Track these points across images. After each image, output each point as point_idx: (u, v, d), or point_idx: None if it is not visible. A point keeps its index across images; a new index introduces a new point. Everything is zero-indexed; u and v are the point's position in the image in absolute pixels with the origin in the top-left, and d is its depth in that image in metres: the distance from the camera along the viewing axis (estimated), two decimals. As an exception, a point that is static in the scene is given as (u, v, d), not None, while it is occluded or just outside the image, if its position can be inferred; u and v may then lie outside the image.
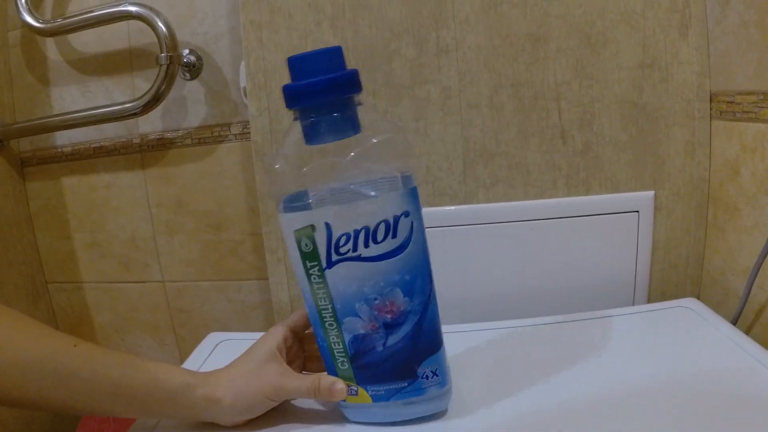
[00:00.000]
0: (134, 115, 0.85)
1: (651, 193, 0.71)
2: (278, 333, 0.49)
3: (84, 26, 0.87)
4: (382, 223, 0.41)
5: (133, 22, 0.87)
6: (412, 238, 0.42)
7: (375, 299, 0.43)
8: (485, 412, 0.49)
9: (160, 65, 0.82)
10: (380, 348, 0.45)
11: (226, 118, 0.88)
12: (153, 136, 0.91)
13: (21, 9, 0.88)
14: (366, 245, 0.42)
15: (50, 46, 0.94)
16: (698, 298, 0.67)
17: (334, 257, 0.42)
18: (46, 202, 0.99)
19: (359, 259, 0.42)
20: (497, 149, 0.71)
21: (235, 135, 0.88)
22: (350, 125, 0.41)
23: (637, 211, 0.71)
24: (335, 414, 0.50)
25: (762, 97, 0.60)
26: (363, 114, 0.42)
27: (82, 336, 0.98)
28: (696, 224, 0.72)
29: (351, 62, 0.70)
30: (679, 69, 0.68)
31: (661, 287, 0.74)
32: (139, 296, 0.99)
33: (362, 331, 0.44)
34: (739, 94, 0.64)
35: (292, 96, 0.41)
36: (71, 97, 0.94)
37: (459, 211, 0.73)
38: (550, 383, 0.52)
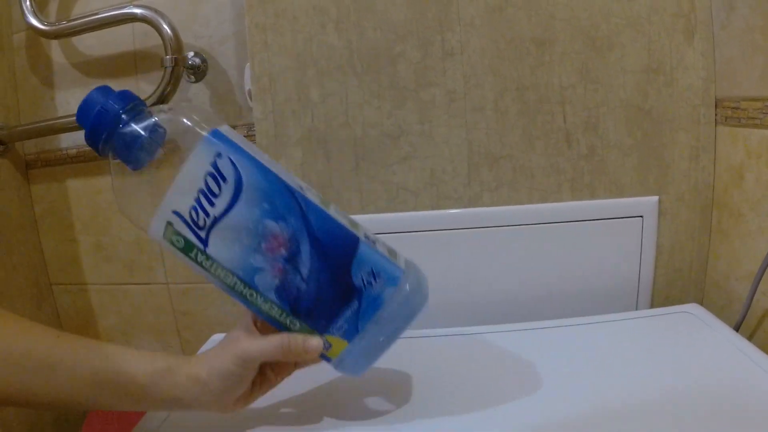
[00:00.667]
0: (139, 117, 0.86)
1: (655, 198, 0.71)
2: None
3: (89, 29, 0.87)
4: (208, 176, 0.41)
5: (138, 25, 0.88)
6: (240, 170, 0.41)
7: (259, 243, 0.42)
8: (487, 415, 0.49)
9: (165, 68, 0.83)
10: (303, 285, 0.43)
11: (231, 120, 0.88)
12: (157, 139, 0.91)
13: (26, 12, 0.88)
14: (212, 204, 0.42)
15: (55, 48, 0.94)
16: (702, 303, 0.68)
17: (202, 234, 0.42)
18: (51, 204, 0.99)
19: (217, 220, 0.42)
20: (502, 152, 0.71)
21: (240, 138, 0.88)
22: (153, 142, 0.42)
23: (641, 216, 0.71)
24: (337, 409, 0.50)
25: (767, 103, 0.60)
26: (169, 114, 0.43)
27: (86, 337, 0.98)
28: (700, 229, 0.72)
29: (356, 65, 0.70)
30: (684, 74, 0.68)
31: (665, 292, 0.74)
32: (143, 298, 0.99)
33: (276, 281, 0.43)
34: (744, 100, 0.64)
35: (92, 144, 0.43)
36: (75, 99, 0.94)
37: (463, 214, 0.73)
38: (553, 387, 0.52)
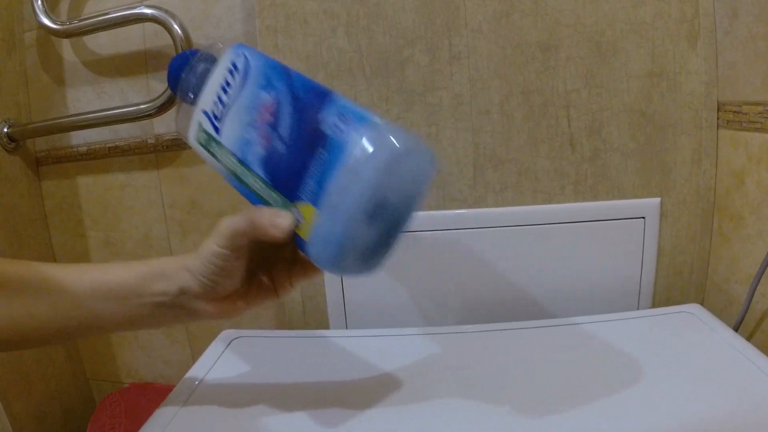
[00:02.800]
0: (149, 116, 0.87)
1: (657, 200, 0.72)
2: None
3: (100, 28, 0.88)
4: (227, 72, 0.46)
5: (148, 24, 0.89)
6: (251, 61, 0.46)
7: (253, 117, 0.44)
8: (488, 413, 0.49)
9: (176, 68, 0.84)
10: (282, 146, 0.42)
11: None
12: (168, 137, 0.92)
13: (38, 11, 0.89)
14: (226, 92, 0.46)
15: (66, 47, 0.95)
16: (702, 305, 0.69)
17: (217, 123, 0.46)
18: (61, 200, 1.01)
19: (229, 107, 0.46)
20: (507, 155, 0.73)
21: (248, 137, 0.90)
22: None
23: (643, 218, 0.72)
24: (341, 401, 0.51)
25: (768, 108, 0.61)
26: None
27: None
28: (701, 232, 0.73)
29: (365, 68, 0.72)
30: (687, 79, 0.69)
31: (666, 293, 0.75)
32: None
33: (262, 150, 0.43)
34: (745, 104, 0.65)
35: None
36: (86, 97, 0.95)
37: (468, 214, 0.74)
38: (554, 385, 0.53)
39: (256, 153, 0.43)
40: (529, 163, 0.73)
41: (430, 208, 0.74)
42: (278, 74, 0.45)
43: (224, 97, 0.46)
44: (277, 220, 0.40)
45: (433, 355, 0.62)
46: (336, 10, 0.71)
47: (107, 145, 0.95)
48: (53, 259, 1.04)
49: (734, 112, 0.67)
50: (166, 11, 0.84)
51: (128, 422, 0.94)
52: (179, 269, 0.45)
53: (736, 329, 0.63)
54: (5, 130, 0.94)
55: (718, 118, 0.70)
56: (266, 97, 0.44)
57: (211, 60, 0.48)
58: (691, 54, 0.69)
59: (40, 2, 0.89)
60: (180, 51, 0.83)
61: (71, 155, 0.98)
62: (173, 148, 0.92)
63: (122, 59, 0.93)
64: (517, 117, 0.71)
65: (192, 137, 0.49)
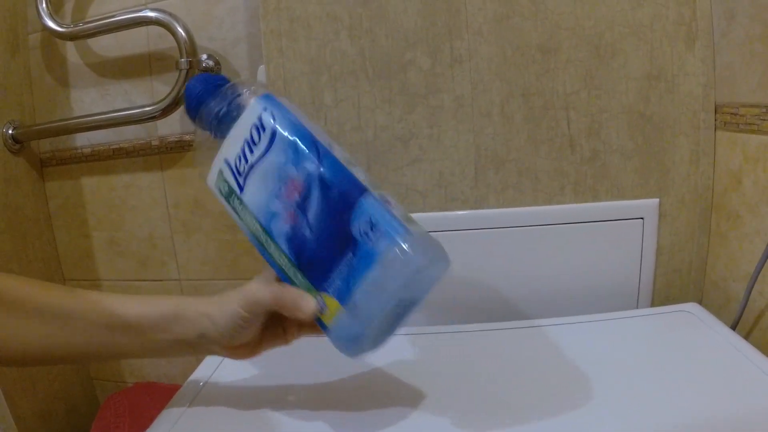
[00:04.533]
0: (154, 118, 0.88)
1: (656, 200, 0.73)
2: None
3: (104, 31, 0.89)
4: (253, 128, 0.46)
5: (152, 27, 0.89)
6: (277, 122, 0.45)
7: (280, 188, 0.44)
8: (488, 411, 0.50)
9: (180, 69, 0.85)
10: (308, 232, 0.43)
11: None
12: (172, 139, 0.93)
13: (42, 13, 0.90)
14: (251, 151, 0.45)
15: (70, 49, 0.96)
16: (701, 303, 0.69)
17: (240, 180, 0.46)
18: (65, 201, 1.01)
19: (253, 166, 0.45)
20: (508, 156, 0.74)
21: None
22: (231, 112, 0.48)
23: (642, 218, 0.73)
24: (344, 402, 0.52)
25: (765, 109, 0.62)
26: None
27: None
28: (699, 231, 0.74)
29: (368, 71, 0.72)
30: (685, 80, 0.70)
31: (665, 292, 0.76)
32: (156, 294, 1.01)
33: (287, 227, 0.44)
34: (743, 106, 0.66)
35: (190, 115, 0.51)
36: (90, 99, 0.96)
37: (470, 215, 0.75)
38: (553, 384, 0.54)
39: (281, 227, 0.45)
40: (530, 164, 0.73)
41: (432, 209, 0.75)
42: (307, 151, 0.44)
43: (249, 155, 0.46)
44: (302, 303, 0.43)
45: (432, 354, 0.63)
46: (339, 14, 0.72)
47: (111, 147, 0.96)
48: (57, 258, 1.05)
49: (731, 113, 0.68)
50: (170, 14, 0.85)
51: (132, 421, 0.95)
52: (200, 316, 0.47)
53: (734, 327, 0.64)
54: (10, 131, 0.95)
55: (715, 120, 0.71)
56: (294, 174, 0.44)
57: (236, 104, 0.47)
58: (689, 56, 0.70)
59: (44, 5, 0.90)
60: (184, 53, 0.84)
61: (75, 157, 0.99)
62: (177, 150, 0.93)
63: (126, 61, 0.93)
64: (518, 119, 0.72)
65: (211, 182, 0.49)
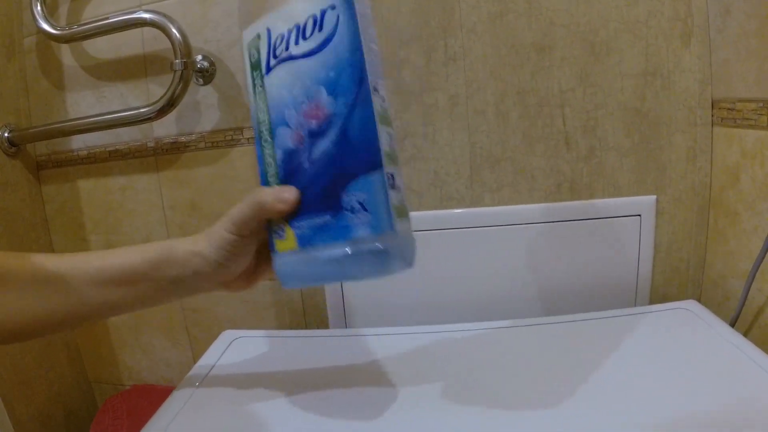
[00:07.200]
0: (149, 119, 0.87)
1: (653, 197, 0.73)
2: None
3: (99, 33, 0.89)
4: (311, 18, 0.41)
5: (147, 29, 0.89)
6: (337, 31, 0.39)
7: (302, 103, 0.41)
8: (487, 409, 0.50)
9: (175, 71, 0.84)
10: (306, 164, 0.41)
11: (239, 122, 0.90)
12: (167, 140, 0.93)
13: (37, 16, 0.90)
14: (297, 42, 0.41)
15: (65, 51, 0.96)
16: (699, 301, 0.69)
17: (272, 62, 0.43)
18: (62, 204, 1.01)
19: (290, 58, 0.42)
20: (503, 155, 0.73)
21: (248, 139, 0.90)
22: None
23: (639, 215, 0.73)
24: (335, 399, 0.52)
25: (762, 104, 0.62)
26: None
27: (96, 335, 1.00)
28: (697, 228, 0.74)
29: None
30: (681, 77, 0.70)
31: (663, 289, 0.76)
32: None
33: (291, 145, 0.42)
34: (739, 101, 0.66)
35: None
36: (86, 102, 0.96)
37: (466, 214, 0.75)
38: (552, 382, 0.54)
39: (285, 140, 0.43)
40: (525, 162, 0.73)
41: (428, 208, 0.75)
42: (352, 81, 0.39)
43: (291, 45, 0.42)
44: (284, 195, 0.43)
45: (431, 353, 0.63)
46: (332, 13, 0.71)
47: (107, 149, 0.96)
48: (55, 262, 1.04)
49: (728, 109, 0.68)
50: (165, 15, 0.85)
51: (130, 424, 0.95)
52: (190, 255, 0.47)
53: (732, 324, 0.64)
54: (6, 134, 0.95)
55: (712, 116, 0.71)
56: (323, 101, 0.40)
57: None
58: (685, 52, 0.69)
59: (39, 8, 0.89)
60: (179, 54, 0.84)
61: (72, 159, 0.98)
62: (173, 151, 0.93)
63: (121, 63, 0.93)
64: (513, 117, 0.72)
65: (246, 40, 0.45)
